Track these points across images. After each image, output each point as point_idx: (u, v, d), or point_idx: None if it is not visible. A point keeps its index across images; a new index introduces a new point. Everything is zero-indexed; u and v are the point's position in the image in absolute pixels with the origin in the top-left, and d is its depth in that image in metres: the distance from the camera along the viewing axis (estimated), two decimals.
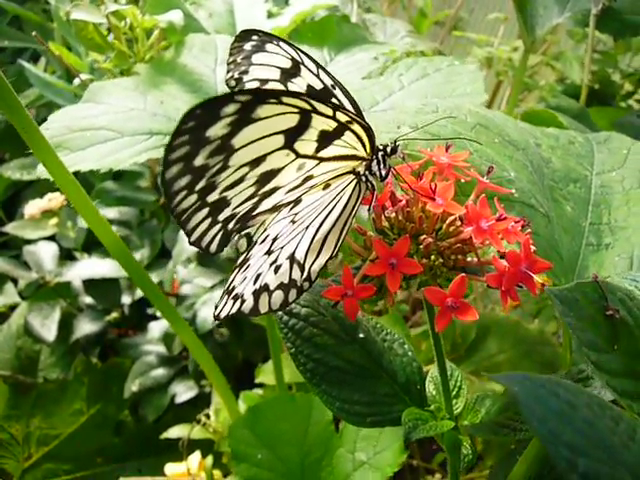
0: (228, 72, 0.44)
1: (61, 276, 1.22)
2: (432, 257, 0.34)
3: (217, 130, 0.33)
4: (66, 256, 1.31)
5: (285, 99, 0.34)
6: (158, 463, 0.98)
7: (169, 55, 0.75)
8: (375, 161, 0.38)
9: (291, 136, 0.36)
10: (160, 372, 1.17)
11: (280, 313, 0.42)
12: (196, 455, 0.88)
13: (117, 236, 0.67)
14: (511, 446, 0.55)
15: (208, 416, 0.95)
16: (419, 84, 0.68)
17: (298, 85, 0.43)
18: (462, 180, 0.39)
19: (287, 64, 0.43)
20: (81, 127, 0.63)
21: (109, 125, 0.63)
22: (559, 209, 0.51)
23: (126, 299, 1.24)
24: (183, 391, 1.13)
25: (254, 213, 0.38)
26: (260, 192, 0.37)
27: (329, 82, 0.43)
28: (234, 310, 0.40)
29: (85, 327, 1.20)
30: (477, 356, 1.19)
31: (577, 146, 0.60)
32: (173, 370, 1.18)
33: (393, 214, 0.36)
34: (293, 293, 0.38)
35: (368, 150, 0.38)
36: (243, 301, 0.39)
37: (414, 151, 0.42)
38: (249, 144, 0.35)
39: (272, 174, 0.37)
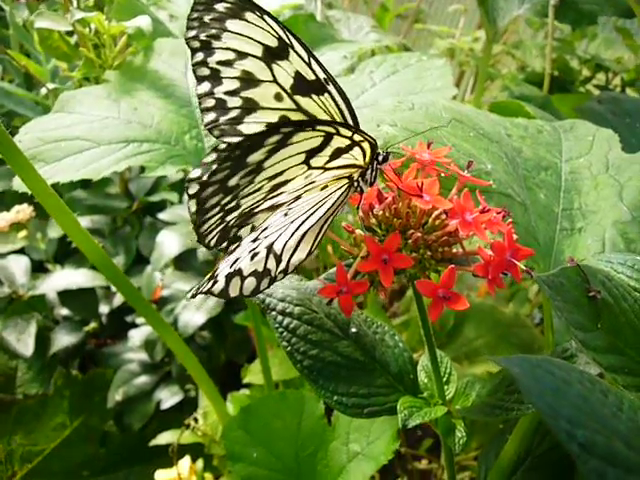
0: (189, 29, 0.41)
1: (35, 289, 1.20)
2: (421, 250, 0.36)
3: (257, 156, 0.38)
4: (38, 268, 1.29)
5: (319, 127, 0.38)
6: (146, 471, 0.98)
7: (139, 61, 0.74)
8: (370, 169, 0.39)
9: (311, 154, 0.39)
10: (143, 379, 1.17)
11: (274, 313, 0.43)
12: (186, 460, 0.88)
13: (96, 243, 0.66)
14: (499, 426, 0.58)
15: (196, 420, 0.95)
16: (390, 81, 0.69)
17: (285, 69, 0.41)
18: (442, 175, 0.41)
19: (273, 42, 0.40)
20: (55, 138, 0.63)
21: (84, 135, 0.63)
22: (533, 196, 0.53)
23: (104, 308, 1.23)
24: (168, 397, 1.13)
25: (256, 211, 0.40)
26: (268, 197, 0.40)
27: (322, 75, 0.41)
28: (204, 289, 0.40)
29: (63, 339, 1.18)
30: (456, 342, 1.21)
31: (545, 135, 0.62)
32: (156, 376, 1.17)
33: (380, 211, 0.37)
34: (265, 282, 0.39)
35: (367, 160, 0.40)
36: (215, 282, 0.40)
37: (395, 148, 0.43)
38: (276, 164, 0.39)
39: (284, 183, 0.39)
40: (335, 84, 0.42)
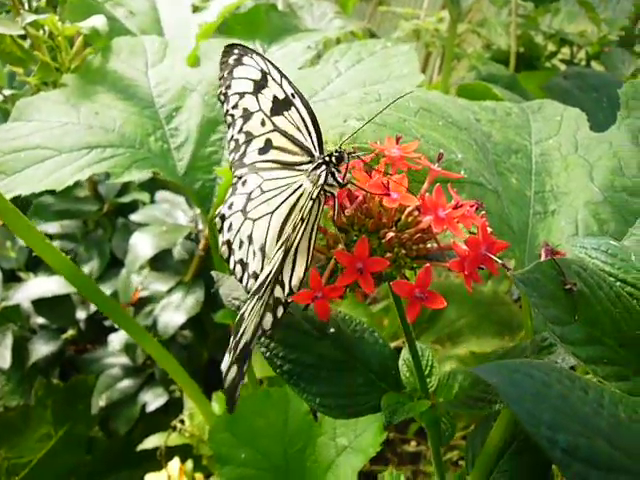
0: (219, 87, 0.47)
1: (8, 300, 1.17)
2: (395, 249, 0.35)
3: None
4: (10, 278, 1.26)
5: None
6: (135, 476, 0.97)
7: (96, 62, 0.72)
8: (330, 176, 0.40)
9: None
10: (126, 383, 1.15)
11: None
12: (175, 461, 0.88)
13: (63, 255, 0.65)
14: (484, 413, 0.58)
15: (182, 422, 0.95)
16: (355, 70, 0.69)
17: (266, 96, 0.45)
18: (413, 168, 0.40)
19: (257, 76, 0.45)
20: (14, 148, 0.60)
21: (44, 143, 0.61)
22: (505, 182, 0.52)
23: (81, 314, 1.21)
24: (153, 399, 1.12)
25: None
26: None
27: (290, 90, 0.44)
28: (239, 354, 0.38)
29: (41, 349, 1.16)
30: (438, 325, 1.22)
31: (514, 117, 0.62)
32: (140, 379, 1.16)
33: (352, 211, 0.37)
34: (280, 310, 0.38)
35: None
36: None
37: (363, 143, 0.42)
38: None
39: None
40: (300, 97, 0.44)
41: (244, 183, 0.45)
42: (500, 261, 0.34)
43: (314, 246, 0.38)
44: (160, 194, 1.21)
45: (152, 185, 1.20)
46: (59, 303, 1.17)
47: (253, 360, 0.86)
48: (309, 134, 0.43)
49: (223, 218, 0.45)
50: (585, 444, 0.22)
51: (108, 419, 1.13)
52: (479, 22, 1.55)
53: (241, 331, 0.37)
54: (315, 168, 0.41)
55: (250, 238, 0.43)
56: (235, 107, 0.46)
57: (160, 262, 1.16)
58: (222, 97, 0.46)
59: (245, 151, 0.46)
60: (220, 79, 0.46)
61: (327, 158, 0.40)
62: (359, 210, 0.37)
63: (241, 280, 0.44)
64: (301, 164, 0.43)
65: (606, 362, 0.30)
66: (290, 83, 0.44)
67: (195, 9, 0.91)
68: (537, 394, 0.22)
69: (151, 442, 0.95)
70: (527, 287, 0.28)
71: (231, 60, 0.46)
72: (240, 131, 0.46)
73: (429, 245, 0.37)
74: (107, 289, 1.16)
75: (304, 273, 0.37)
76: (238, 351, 0.36)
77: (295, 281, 0.38)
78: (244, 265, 0.43)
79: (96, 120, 0.64)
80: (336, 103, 0.60)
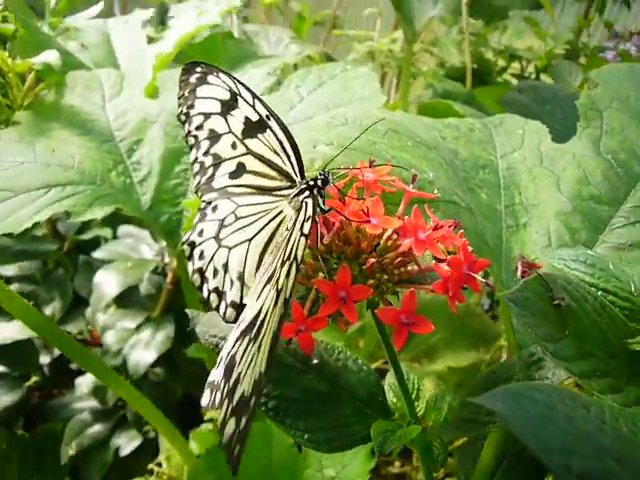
0: (179, 106, 0.44)
1: None
2: (377, 275, 0.34)
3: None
4: None
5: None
6: None
7: (50, 98, 0.70)
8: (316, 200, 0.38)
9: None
10: (97, 428, 1.10)
11: None
12: None
13: (21, 299, 0.62)
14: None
15: (160, 464, 0.91)
16: (318, 94, 0.68)
17: (237, 118, 0.43)
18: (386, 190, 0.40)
19: (226, 96, 0.43)
20: None
21: None
22: (476, 198, 0.53)
23: (44, 358, 1.16)
24: (126, 443, 1.07)
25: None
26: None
27: (264, 112, 0.42)
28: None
29: (3, 399, 1.10)
30: (414, 342, 1.21)
31: (477, 132, 0.63)
32: (111, 423, 1.11)
33: (329, 239, 0.36)
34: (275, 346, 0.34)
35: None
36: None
37: (335, 169, 0.42)
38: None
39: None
40: (276, 118, 0.42)
41: (215, 209, 0.43)
42: (483, 280, 0.34)
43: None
44: (123, 229, 1.18)
45: (114, 220, 1.17)
46: (20, 349, 1.11)
47: None
48: (288, 158, 0.42)
49: (193, 245, 0.43)
50: (597, 467, 0.21)
51: (79, 468, 1.08)
52: (431, 41, 1.58)
53: (235, 377, 0.32)
54: (298, 194, 0.40)
55: (226, 266, 0.42)
56: (200, 128, 0.44)
57: (126, 298, 1.13)
58: (183, 117, 0.44)
59: (213, 174, 0.44)
60: (179, 98, 0.44)
61: (312, 182, 0.39)
62: (337, 237, 0.36)
63: (218, 309, 0.42)
64: (280, 189, 0.42)
65: (599, 375, 0.29)
66: (264, 104, 0.42)
67: (150, 40, 0.90)
68: (543, 418, 0.21)
69: None
70: (518, 307, 0.28)
71: (193, 79, 0.44)
72: (207, 153, 0.44)
73: (410, 268, 0.37)
74: (72, 329, 1.12)
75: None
76: (235, 402, 0.31)
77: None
78: (220, 293, 0.42)
79: (53, 158, 0.62)
80: (301, 128, 0.59)
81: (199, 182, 0.44)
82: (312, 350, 0.34)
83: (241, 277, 0.41)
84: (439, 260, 0.35)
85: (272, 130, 0.42)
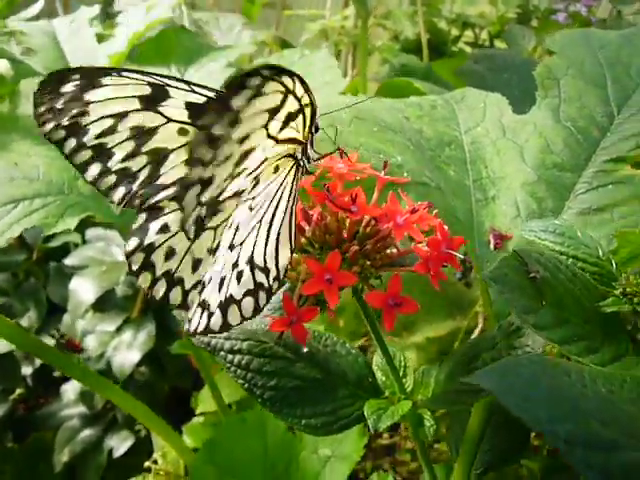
0: (45, 124, 0.39)
1: None
2: (360, 261, 0.35)
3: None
4: None
5: (282, 75, 0.34)
6: None
7: (5, 109, 0.68)
8: (309, 143, 0.38)
9: (271, 115, 0.35)
10: (88, 433, 1.10)
11: (223, 353, 0.41)
12: None
13: None
14: None
15: (155, 461, 0.92)
16: None
17: (174, 107, 0.40)
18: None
19: (145, 90, 0.39)
20: None
21: None
22: (444, 175, 0.54)
23: (27, 370, 1.15)
24: (119, 443, 1.08)
25: (221, 199, 0.37)
26: (234, 174, 0.36)
27: (210, 93, 0.40)
28: (200, 328, 0.37)
29: None
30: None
31: (440, 109, 0.64)
32: (101, 425, 1.11)
33: (311, 231, 0.37)
34: (263, 296, 0.36)
35: (306, 133, 0.38)
36: (210, 314, 0.37)
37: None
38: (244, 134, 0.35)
39: (249, 153, 0.36)
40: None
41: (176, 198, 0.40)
42: (461, 256, 0.35)
43: (294, 224, 0.36)
44: (91, 232, 1.16)
45: (82, 224, 1.16)
46: (1, 363, 1.10)
47: (220, 386, 0.84)
48: None
49: (151, 249, 0.39)
50: (582, 430, 0.23)
51: (75, 473, 1.08)
52: (384, 15, 1.58)
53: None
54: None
55: (214, 249, 0.39)
56: (109, 133, 0.39)
57: (103, 302, 1.12)
58: (62, 131, 0.39)
59: (156, 173, 0.40)
60: (42, 114, 0.39)
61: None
62: (317, 228, 0.37)
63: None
64: None
65: (576, 339, 0.31)
66: (206, 87, 0.40)
67: (100, 38, 0.88)
68: (529, 391, 0.23)
69: None
70: (498, 284, 0.29)
71: (69, 87, 0.38)
72: (133, 156, 0.40)
73: (389, 252, 0.38)
74: (50, 339, 1.11)
75: (291, 254, 0.36)
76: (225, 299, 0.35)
77: (282, 263, 0.35)
78: (202, 289, 0.39)
79: (17, 171, 0.61)
80: None
81: (129, 191, 0.40)
82: (306, 340, 0.35)
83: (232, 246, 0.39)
84: (417, 241, 0.37)
85: None
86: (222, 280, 0.37)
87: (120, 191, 0.40)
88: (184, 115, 0.40)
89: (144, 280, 0.40)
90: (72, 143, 0.39)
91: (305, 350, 0.43)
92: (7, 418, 1.12)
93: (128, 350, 1.05)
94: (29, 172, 0.61)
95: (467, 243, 0.50)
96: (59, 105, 0.38)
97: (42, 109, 0.38)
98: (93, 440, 1.09)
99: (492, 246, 0.49)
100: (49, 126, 0.39)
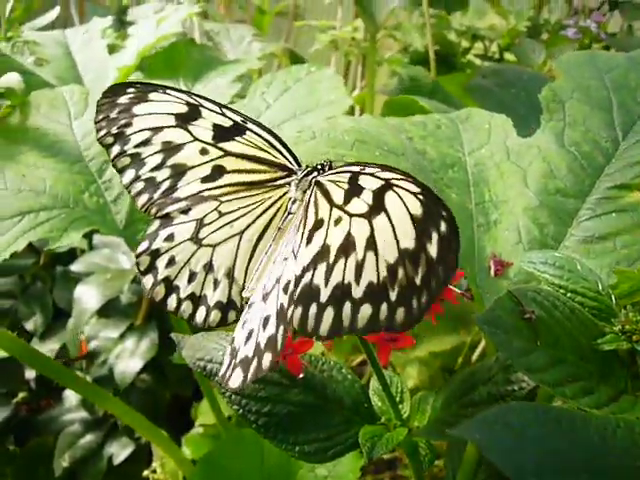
0: (99, 130, 0.43)
1: None
2: None
3: None
4: None
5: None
6: None
7: (15, 120, 0.69)
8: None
9: None
10: (89, 438, 1.11)
11: (218, 378, 0.41)
12: None
13: None
14: None
15: (154, 471, 0.92)
16: (284, 100, 0.68)
17: (202, 126, 0.43)
18: None
19: (182, 109, 0.43)
20: None
21: None
22: (446, 198, 0.54)
23: (30, 373, 1.15)
24: (119, 450, 1.08)
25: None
26: None
27: (238, 118, 0.43)
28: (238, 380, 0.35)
29: None
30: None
31: (444, 129, 0.64)
32: (102, 432, 1.12)
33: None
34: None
35: None
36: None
37: None
38: None
39: None
40: (253, 121, 0.43)
41: (186, 212, 0.43)
42: (459, 291, 0.35)
43: None
44: (98, 238, 1.17)
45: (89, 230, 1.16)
46: (4, 366, 1.11)
47: (219, 399, 0.84)
48: (279, 152, 0.43)
49: (156, 254, 0.42)
50: None
51: (74, 478, 1.08)
52: (394, 26, 1.58)
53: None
54: (306, 175, 0.41)
55: (209, 266, 0.42)
56: (145, 144, 0.43)
57: (107, 308, 1.13)
58: (110, 138, 0.43)
59: (174, 185, 0.43)
60: (101, 120, 0.42)
61: (319, 166, 0.40)
62: None
63: (192, 317, 0.42)
64: (275, 180, 0.42)
65: (570, 380, 0.31)
66: (235, 111, 0.43)
67: (111, 49, 0.88)
68: (517, 443, 0.23)
69: None
70: (491, 327, 0.29)
71: (124, 99, 0.42)
72: (159, 167, 0.43)
73: None
74: (55, 343, 1.12)
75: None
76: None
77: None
78: (197, 300, 0.42)
79: (24, 183, 0.61)
80: None
81: (150, 198, 0.43)
82: (300, 371, 0.35)
83: (230, 274, 0.42)
84: None
85: (253, 131, 0.43)
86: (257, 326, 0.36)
87: (144, 197, 0.43)
88: (208, 135, 0.43)
89: (147, 282, 0.42)
90: (116, 150, 0.43)
91: (300, 376, 0.43)
92: (9, 421, 1.13)
93: (131, 358, 1.06)
94: (36, 185, 0.62)
95: (467, 270, 0.50)
96: (113, 114, 0.42)
97: (100, 117, 0.43)
98: (93, 446, 1.09)
99: (492, 273, 0.49)
100: (102, 133, 0.43)
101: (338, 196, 0.35)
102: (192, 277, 0.42)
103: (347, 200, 0.34)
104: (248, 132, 0.43)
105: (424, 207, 0.30)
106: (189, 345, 0.43)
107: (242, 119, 0.43)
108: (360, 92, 1.30)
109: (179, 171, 0.43)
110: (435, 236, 0.29)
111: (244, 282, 0.42)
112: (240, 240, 0.41)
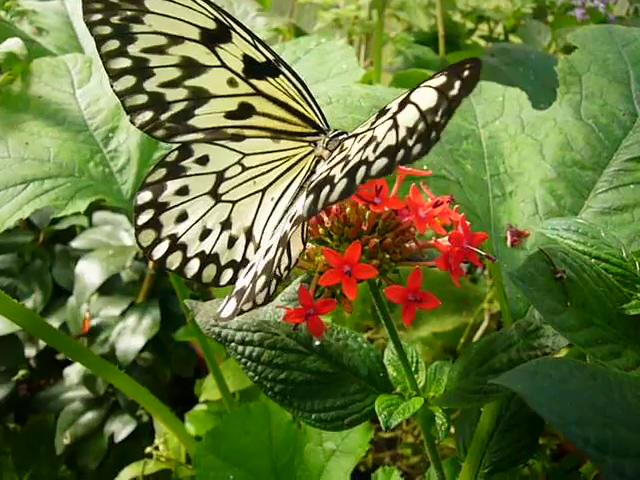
0: (89, 12, 0.35)
1: None
2: (379, 254, 0.35)
3: None
4: None
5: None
6: None
7: (17, 88, 0.67)
8: None
9: None
10: (90, 416, 1.10)
11: (234, 344, 0.40)
12: None
13: (4, 295, 0.61)
14: None
15: (157, 448, 0.91)
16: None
17: (231, 53, 0.38)
18: None
19: (211, 24, 0.37)
20: None
21: None
22: (461, 169, 0.53)
23: (30, 351, 1.15)
24: (120, 428, 1.08)
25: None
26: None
27: (271, 57, 0.38)
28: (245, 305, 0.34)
29: None
30: (398, 311, 1.22)
31: None
32: (103, 410, 1.11)
33: (330, 222, 0.36)
34: (274, 284, 0.34)
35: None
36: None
37: None
38: None
39: None
40: (286, 65, 0.39)
41: (203, 161, 0.39)
42: (483, 253, 0.35)
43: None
44: (98, 215, 1.16)
45: (89, 208, 1.15)
46: (4, 344, 1.10)
47: (225, 375, 0.84)
48: (309, 106, 0.39)
49: (162, 208, 0.38)
50: (611, 436, 0.22)
51: (75, 456, 1.08)
52: (398, 5, 1.56)
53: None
54: (336, 135, 0.38)
55: (226, 223, 0.39)
56: (156, 51, 0.37)
57: (109, 286, 1.12)
58: (108, 28, 0.35)
59: (191, 111, 0.38)
60: (91, 1, 0.35)
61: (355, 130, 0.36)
62: (336, 219, 0.36)
63: (198, 276, 0.39)
64: (305, 135, 0.39)
65: (600, 342, 0.30)
66: (268, 48, 0.38)
67: None
68: (558, 394, 0.22)
69: (127, 474, 0.91)
70: (524, 283, 0.28)
71: None
72: (173, 85, 0.38)
73: (408, 245, 0.37)
74: (55, 322, 1.11)
75: (304, 245, 0.35)
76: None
77: (296, 250, 0.34)
78: (206, 258, 0.39)
79: (27, 151, 0.60)
80: None
81: (156, 118, 0.38)
82: (322, 333, 0.34)
83: (249, 231, 0.39)
84: (437, 235, 0.36)
85: (286, 76, 0.39)
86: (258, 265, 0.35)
87: (147, 114, 0.38)
88: (239, 66, 0.38)
89: (146, 238, 0.38)
90: (114, 45, 0.36)
91: (317, 343, 0.42)
92: (10, 399, 1.12)
93: (132, 335, 1.05)
94: (40, 153, 0.60)
95: (485, 242, 0.49)
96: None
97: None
98: (95, 424, 1.09)
99: (509, 243, 0.48)
100: (95, 17, 0.36)
101: (362, 128, 0.34)
102: (205, 234, 0.39)
103: (371, 124, 0.33)
104: (281, 75, 0.39)
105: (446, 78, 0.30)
106: (203, 312, 0.42)
107: (275, 58, 0.38)
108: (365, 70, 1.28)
109: (199, 96, 0.38)
110: (457, 82, 0.29)
111: (260, 240, 0.39)
112: (262, 197, 0.39)
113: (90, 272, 0.95)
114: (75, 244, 1.05)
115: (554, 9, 1.58)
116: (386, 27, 1.73)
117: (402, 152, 0.28)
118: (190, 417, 0.90)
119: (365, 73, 0.68)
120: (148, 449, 0.92)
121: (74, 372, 1.11)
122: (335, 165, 0.32)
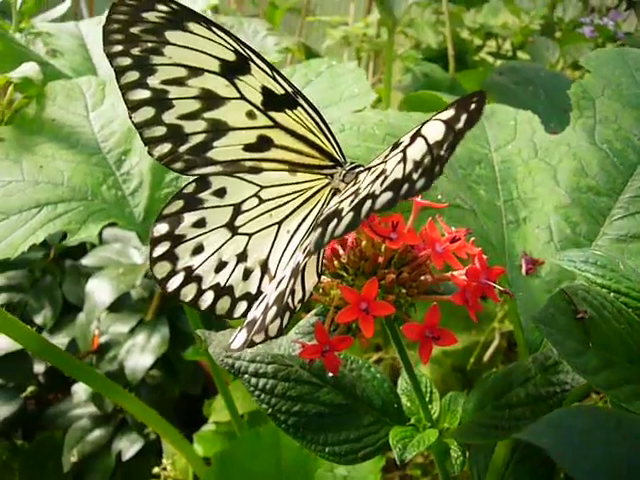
0: (110, 44, 0.35)
1: None
2: (395, 289, 0.34)
3: None
4: None
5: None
6: None
7: (32, 111, 0.68)
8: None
9: None
10: (97, 434, 1.10)
11: (247, 376, 0.40)
12: None
13: (7, 314, 0.61)
14: None
15: (165, 468, 0.91)
16: (306, 93, 0.67)
17: (250, 85, 0.38)
18: None
19: (230, 56, 0.37)
20: None
21: None
22: (475, 195, 0.53)
23: (39, 367, 1.15)
24: (128, 446, 1.07)
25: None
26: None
27: (289, 89, 0.38)
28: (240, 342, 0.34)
29: (1, 410, 1.09)
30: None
31: None
32: (111, 427, 1.11)
33: (346, 256, 0.35)
34: (287, 317, 0.33)
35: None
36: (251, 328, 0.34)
37: None
38: None
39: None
40: (304, 97, 0.39)
41: (221, 193, 0.39)
42: (501, 288, 0.34)
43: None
44: (108, 232, 1.16)
45: None
46: (14, 360, 1.10)
47: (234, 396, 0.83)
48: (327, 139, 0.39)
49: (178, 240, 0.38)
50: None
51: (83, 474, 1.08)
52: (407, 23, 1.57)
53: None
54: (353, 168, 0.38)
55: (242, 256, 0.39)
56: (176, 83, 0.37)
57: (118, 303, 1.12)
58: (127, 59, 0.35)
59: (209, 144, 0.38)
60: (116, 31, 0.34)
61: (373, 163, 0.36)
62: (352, 253, 0.36)
63: (212, 308, 0.39)
64: (323, 167, 0.39)
65: (622, 383, 0.30)
66: (287, 80, 0.38)
67: None
68: (584, 448, 0.22)
69: None
70: (546, 326, 0.28)
71: (151, 16, 0.35)
72: (192, 117, 0.38)
73: (423, 279, 0.37)
74: (64, 338, 1.11)
75: (318, 278, 0.34)
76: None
77: (309, 286, 0.34)
78: (221, 290, 0.39)
79: (42, 175, 0.60)
80: None
81: (174, 151, 0.38)
82: (337, 370, 0.34)
83: (264, 264, 0.39)
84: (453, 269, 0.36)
85: (304, 108, 0.39)
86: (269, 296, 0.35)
87: (165, 147, 0.38)
88: (258, 99, 0.38)
89: (161, 270, 0.38)
90: (133, 76, 0.36)
91: (330, 375, 0.42)
92: (18, 415, 1.12)
93: (141, 353, 1.05)
94: (54, 176, 0.61)
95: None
96: (135, 30, 0.35)
97: (114, 25, 0.35)
98: (102, 442, 1.09)
99: (524, 271, 0.48)
100: (116, 48, 0.35)
101: (377, 161, 0.35)
102: (220, 266, 0.39)
103: (385, 157, 0.34)
104: (299, 108, 0.39)
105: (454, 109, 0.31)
106: (217, 342, 0.42)
107: (293, 90, 0.39)
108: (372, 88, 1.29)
109: (218, 128, 0.38)
110: (464, 116, 0.30)
111: (275, 273, 0.39)
112: (278, 230, 0.39)
113: (100, 291, 0.96)
114: (85, 261, 1.06)
115: (562, 25, 1.58)
116: (395, 44, 1.74)
117: (406, 186, 0.28)
118: (198, 438, 0.89)
119: (376, 96, 0.68)
120: (156, 469, 0.92)
121: (82, 389, 1.11)
122: (346, 198, 0.32)
